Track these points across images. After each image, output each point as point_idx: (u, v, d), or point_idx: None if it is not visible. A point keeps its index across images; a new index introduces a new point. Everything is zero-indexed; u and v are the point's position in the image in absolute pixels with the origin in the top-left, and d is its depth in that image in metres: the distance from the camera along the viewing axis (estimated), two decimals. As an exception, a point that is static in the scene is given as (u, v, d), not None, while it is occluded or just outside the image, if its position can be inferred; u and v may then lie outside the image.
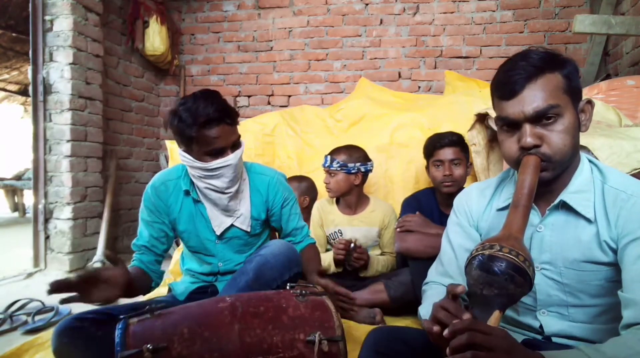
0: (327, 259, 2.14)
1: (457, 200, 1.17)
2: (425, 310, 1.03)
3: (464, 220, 1.12)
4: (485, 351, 0.67)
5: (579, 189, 0.96)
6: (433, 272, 1.16)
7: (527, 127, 0.91)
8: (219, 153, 1.43)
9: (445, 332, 0.74)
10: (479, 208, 1.11)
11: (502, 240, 0.80)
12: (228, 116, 1.42)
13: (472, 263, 0.80)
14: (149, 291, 1.55)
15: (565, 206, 0.96)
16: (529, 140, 0.90)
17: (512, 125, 0.94)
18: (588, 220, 0.94)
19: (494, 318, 0.76)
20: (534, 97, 0.89)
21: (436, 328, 0.79)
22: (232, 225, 1.56)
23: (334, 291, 1.53)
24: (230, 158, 1.44)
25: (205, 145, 1.41)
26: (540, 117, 0.90)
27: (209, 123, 1.38)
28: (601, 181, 0.96)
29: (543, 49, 0.95)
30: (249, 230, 1.58)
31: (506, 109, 0.93)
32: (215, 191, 1.49)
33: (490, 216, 1.09)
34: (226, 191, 1.49)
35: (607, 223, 0.92)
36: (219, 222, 1.55)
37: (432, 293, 1.09)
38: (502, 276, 0.75)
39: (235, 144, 1.47)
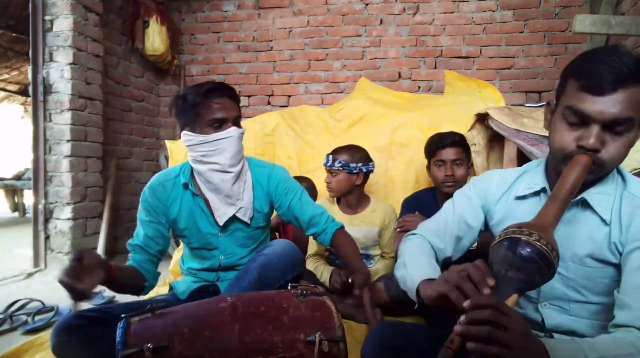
0: (325, 274, 2.13)
1: (478, 179, 1.17)
2: (408, 268, 1.03)
3: (476, 197, 1.13)
4: (502, 331, 0.69)
5: (602, 191, 0.97)
6: (425, 226, 1.18)
7: (597, 130, 0.87)
8: (222, 122, 1.47)
9: (466, 303, 0.75)
10: (495, 194, 1.12)
11: (537, 228, 0.80)
12: (230, 90, 1.51)
13: (502, 242, 0.80)
14: (142, 291, 1.53)
15: (584, 204, 0.97)
16: (593, 142, 0.87)
17: (583, 120, 0.89)
18: (604, 221, 0.95)
19: (511, 301, 0.77)
20: (619, 104, 0.85)
21: (454, 294, 0.79)
22: (234, 216, 1.56)
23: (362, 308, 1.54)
24: (232, 130, 1.48)
25: (208, 113, 1.46)
26: (614, 125, 0.87)
27: (212, 91, 1.47)
28: (622, 187, 0.97)
29: (633, 52, 0.93)
30: (249, 222, 1.58)
31: (585, 103, 0.88)
32: (219, 171, 1.49)
33: (506, 204, 1.09)
34: (229, 169, 1.49)
35: (619, 226, 0.93)
36: (221, 212, 1.55)
37: (413, 246, 1.10)
38: (532, 264, 0.77)
39: (237, 123, 1.51)
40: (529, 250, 0.77)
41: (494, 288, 0.79)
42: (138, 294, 1.54)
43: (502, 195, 1.11)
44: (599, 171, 0.91)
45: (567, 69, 0.95)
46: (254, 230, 1.63)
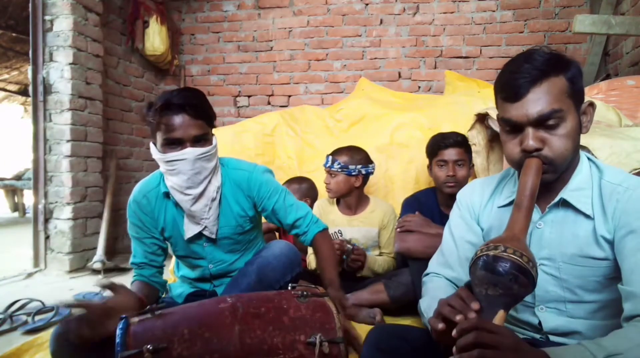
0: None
1: (461, 193, 1.19)
2: (425, 304, 1.04)
3: (467, 213, 1.14)
4: (491, 349, 0.69)
5: (578, 186, 0.97)
6: (434, 263, 1.18)
7: (530, 131, 0.91)
8: (176, 143, 1.34)
9: (454, 332, 0.75)
10: (480, 203, 1.13)
11: (505, 240, 0.81)
12: (193, 107, 1.34)
13: (476, 263, 0.81)
14: (158, 300, 1.52)
15: (565, 204, 0.98)
16: (531, 143, 0.91)
17: (515, 127, 0.94)
18: (587, 216, 0.96)
19: (498, 318, 0.77)
20: (538, 101, 0.90)
21: (441, 325, 0.81)
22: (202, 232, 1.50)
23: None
24: (187, 152, 1.34)
25: (163, 132, 1.34)
26: (543, 121, 0.91)
27: (168, 108, 1.33)
28: (599, 176, 0.98)
29: (547, 49, 0.95)
30: (215, 237, 1.50)
31: (510, 111, 0.94)
32: (177, 190, 1.41)
33: (491, 213, 1.10)
34: (186, 191, 1.40)
35: (604, 216, 0.94)
36: (187, 228, 1.49)
37: (433, 287, 1.10)
38: (507, 276, 0.77)
39: (199, 141, 1.37)
40: (499, 263, 0.77)
41: (480, 311, 0.79)
42: None
43: (486, 204, 1.12)
44: (554, 168, 0.93)
45: (494, 85, 1.00)
46: (240, 235, 1.55)
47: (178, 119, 1.33)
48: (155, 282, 1.51)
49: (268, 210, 1.56)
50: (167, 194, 1.48)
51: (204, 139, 1.39)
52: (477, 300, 0.80)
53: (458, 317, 0.78)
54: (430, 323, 0.85)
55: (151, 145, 1.43)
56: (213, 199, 1.46)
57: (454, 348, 0.73)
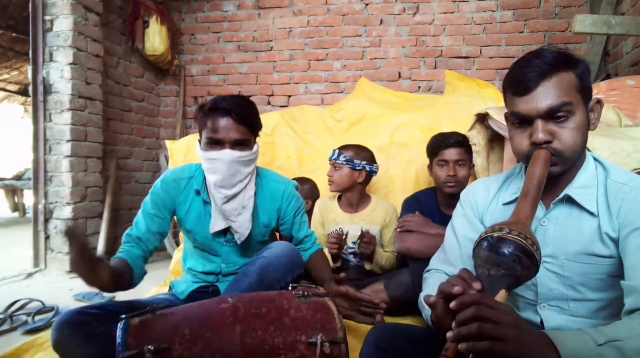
0: None
1: (464, 193, 1.20)
2: (423, 311, 1.04)
3: (470, 212, 1.14)
4: (491, 324, 0.69)
5: (583, 184, 0.98)
6: (435, 260, 1.19)
7: (540, 124, 0.93)
8: (217, 143, 1.45)
9: (452, 304, 0.75)
10: (484, 201, 1.14)
11: (511, 224, 0.82)
12: (238, 113, 1.44)
13: (480, 244, 0.82)
14: (126, 289, 1.44)
15: (569, 201, 0.99)
16: (541, 136, 0.92)
17: (524, 121, 0.96)
18: (591, 214, 0.96)
19: (500, 296, 0.77)
20: (547, 94, 0.92)
21: (433, 298, 0.82)
22: (230, 230, 1.55)
23: (356, 298, 1.58)
24: (225, 154, 1.44)
25: (208, 131, 1.45)
26: (553, 114, 0.92)
27: (215, 110, 1.44)
28: (604, 176, 0.99)
29: (556, 48, 0.97)
30: (238, 242, 1.56)
31: (519, 105, 0.95)
32: (213, 186, 1.50)
33: (496, 210, 1.11)
34: (220, 190, 1.48)
35: (608, 214, 0.94)
36: (215, 222, 1.54)
37: (434, 281, 1.10)
38: (510, 257, 0.77)
39: (239, 145, 1.46)
40: (503, 244, 0.78)
41: (482, 290, 0.79)
42: (123, 290, 1.44)
43: (490, 202, 1.12)
44: (562, 160, 0.94)
45: (503, 81, 1.02)
46: (259, 243, 1.64)
47: (222, 122, 1.44)
48: (137, 265, 1.46)
49: (289, 222, 1.67)
50: (197, 192, 1.56)
51: (244, 144, 1.48)
52: (479, 280, 0.81)
53: (456, 288, 0.78)
54: (425, 300, 0.86)
55: (197, 143, 1.53)
56: (244, 207, 1.53)
57: (453, 323, 0.73)
